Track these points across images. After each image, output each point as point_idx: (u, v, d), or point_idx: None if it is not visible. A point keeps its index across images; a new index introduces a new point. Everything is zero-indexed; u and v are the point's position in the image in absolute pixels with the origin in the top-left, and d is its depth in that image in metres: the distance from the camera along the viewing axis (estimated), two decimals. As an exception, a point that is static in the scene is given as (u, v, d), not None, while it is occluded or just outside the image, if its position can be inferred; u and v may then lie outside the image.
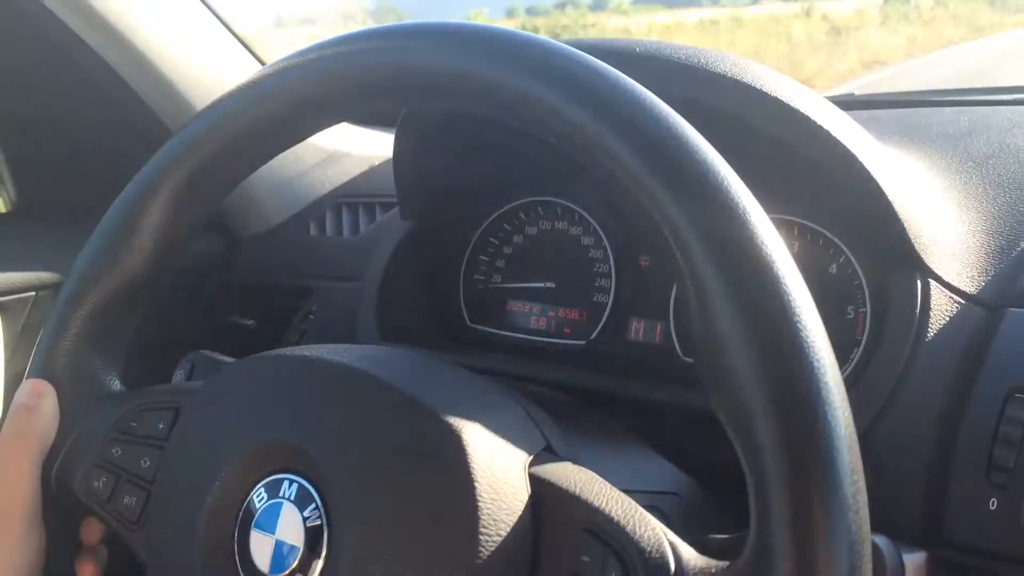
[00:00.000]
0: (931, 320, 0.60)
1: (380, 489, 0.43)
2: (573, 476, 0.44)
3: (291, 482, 0.44)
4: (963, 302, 0.61)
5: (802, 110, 0.61)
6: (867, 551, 0.35)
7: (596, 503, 0.42)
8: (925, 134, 0.79)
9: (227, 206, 0.98)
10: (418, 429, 0.44)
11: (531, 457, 0.45)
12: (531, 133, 0.44)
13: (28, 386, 0.54)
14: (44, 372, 0.54)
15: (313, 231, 0.99)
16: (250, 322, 0.93)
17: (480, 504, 0.41)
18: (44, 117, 0.99)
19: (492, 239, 0.83)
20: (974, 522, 0.54)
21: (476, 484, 0.42)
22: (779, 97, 0.61)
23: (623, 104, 0.41)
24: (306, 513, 0.43)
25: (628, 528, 0.41)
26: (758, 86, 0.61)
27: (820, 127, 0.60)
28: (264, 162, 0.55)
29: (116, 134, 1.00)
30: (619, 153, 0.40)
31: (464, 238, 0.84)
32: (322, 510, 0.43)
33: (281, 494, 0.44)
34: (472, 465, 0.42)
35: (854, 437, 0.36)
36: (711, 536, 0.51)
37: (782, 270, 0.37)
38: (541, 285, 0.81)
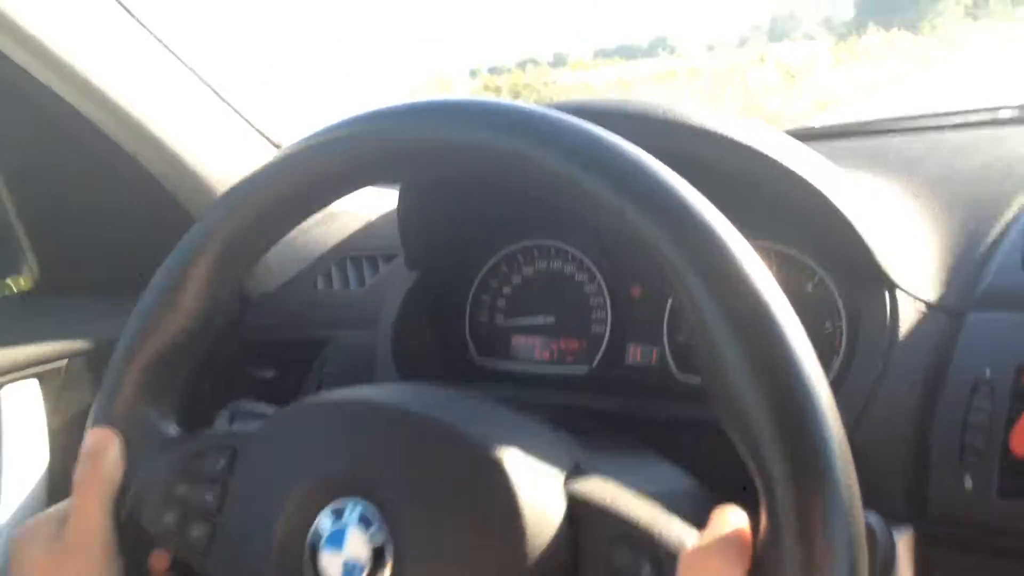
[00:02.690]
0: (901, 328, 0.66)
1: (436, 510, 0.48)
2: (603, 490, 0.49)
3: (354, 507, 0.49)
4: (927, 310, 0.68)
5: (771, 154, 0.67)
6: (862, 532, 0.41)
7: (625, 513, 0.47)
8: (883, 161, 0.87)
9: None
10: (465, 458, 0.49)
11: (564, 477, 0.50)
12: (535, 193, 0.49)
13: (94, 435, 0.58)
14: (106, 422, 0.59)
15: (320, 285, 1.04)
16: (269, 374, 0.99)
17: (525, 522, 0.47)
18: (64, 197, 1.05)
19: (493, 281, 0.90)
20: (953, 499, 0.60)
21: (520, 504, 0.47)
22: (750, 144, 0.68)
23: (628, 168, 0.46)
24: (370, 533, 0.48)
25: (655, 532, 0.46)
26: (730, 135, 0.68)
27: (787, 168, 0.67)
28: (290, 229, 0.59)
29: (131, 211, 1.05)
30: (625, 212, 0.45)
31: (467, 282, 0.90)
32: (385, 530, 0.48)
33: (345, 518, 0.49)
34: (515, 488, 0.47)
35: (845, 444, 0.41)
36: None
37: (773, 300, 0.42)
38: (541, 320, 0.88)
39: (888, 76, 16.91)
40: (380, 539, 0.48)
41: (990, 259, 0.70)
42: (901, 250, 0.71)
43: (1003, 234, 0.72)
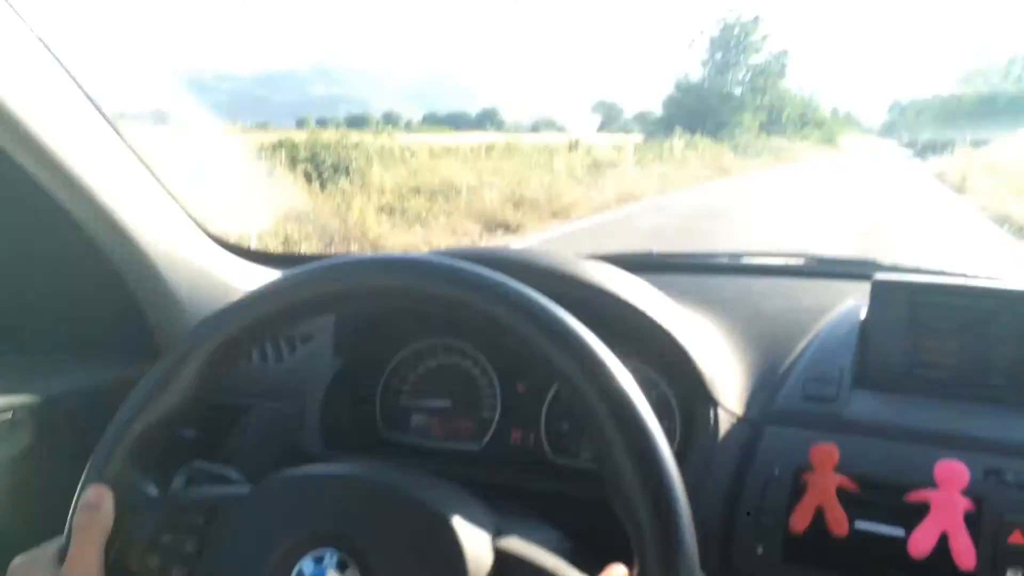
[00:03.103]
0: (719, 434, 0.91)
1: (399, 557, 0.63)
2: (518, 545, 0.66)
3: (332, 554, 0.63)
4: (738, 421, 0.92)
5: (629, 300, 0.91)
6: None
7: (538, 561, 0.64)
8: (709, 299, 1.12)
9: (166, 338, 1.17)
10: (423, 519, 0.64)
11: (492, 536, 0.66)
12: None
13: (93, 491, 0.69)
14: (101, 480, 0.70)
15: None
16: (191, 433, 1.10)
17: (467, 567, 0.62)
18: (18, 258, 1.14)
19: (401, 369, 1.09)
20: (750, 562, 0.83)
21: (464, 556, 0.62)
22: (613, 292, 0.91)
23: (532, 308, 0.64)
24: (346, 575, 0.62)
25: None
26: (599, 284, 0.92)
27: (641, 310, 0.91)
28: (265, 343, 0.74)
29: (72, 283, 1.16)
30: (531, 335, 0.63)
31: (380, 369, 1.09)
32: (358, 573, 0.62)
33: (325, 563, 0.63)
34: (460, 543, 0.63)
35: (688, 513, 0.60)
36: None
37: (641, 407, 0.62)
38: (439, 404, 1.07)
39: (687, 179, 17.99)
40: None
41: (781, 387, 0.95)
42: (722, 375, 0.95)
43: (790, 369, 0.98)
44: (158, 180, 1.17)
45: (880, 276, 1.00)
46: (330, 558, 0.63)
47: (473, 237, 9.86)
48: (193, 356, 0.70)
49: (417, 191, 12.10)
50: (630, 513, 0.59)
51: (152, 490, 0.72)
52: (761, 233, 9.95)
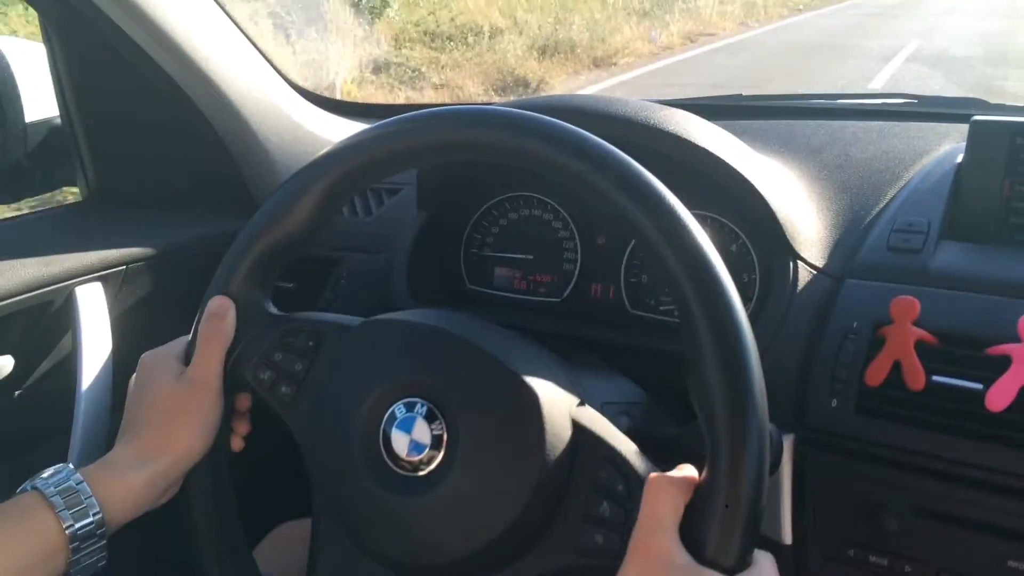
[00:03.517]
0: (798, 287, 0.90)
1: (482, 418, 0.66)
2: (598, 423, 0.67)
3: (422, 404, 0.67)
4: (818, 274, 0.91)
5: (707, 147, 0.89)
6: (766, 492, 0.59)
7: (612, 443, 0.66)
8: (792, 145, 1.09)
9: (261, 192, 1.22)
10: (510, 387, 0.67)
11: (573, 406, 0.68)
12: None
13: (217, 300, 0.76)
14: (224, 292, 0.76)
15: None
16: (291, 285, 1.17)
17: (544, 437, 0.65)
18: (127, 120, 1.20)
19: (484, 222, 1.11)
20: (823, 414, 0.84)
21: (543, 422, 0.65)
22: (691, 140, 0.89)
23: (609, 160, 0.65)
24: (432, 426, 0.67)
25: (631, 460, 0.64)
26: (675, 132, 0.90)
27: (719, 157, 0.89)
28: (384, 178, 0.77)
29: (179, 144, 1.22)
30: (607, 189, 0.64)
31: (464, 222, 1.11)
32: (444, 425, 0.67)
33: (415, 411, 0.67)
34: (542, 413, 0.65)
35: (763, 381, 0.59)
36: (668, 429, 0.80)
37: (714, 257, 0.62)
38: (521, 256, 1.09)
39: (778, 10, 15.56)
40: (439, 431, 0.67)
41: (865, 239, 0.93)
42: (803, 226, 0.94)
43: (876, 218, 0.95)
44: (246, 36, 1.19)
45: (980, 116, 0.95)
46: (420, 407, 0.68)
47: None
48: (314, 185, 0.75)
49: (427, 36, 10.10)
50: (700, 367, 0.60)
51: (270, 307, 0.79)
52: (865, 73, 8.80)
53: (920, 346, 0.81)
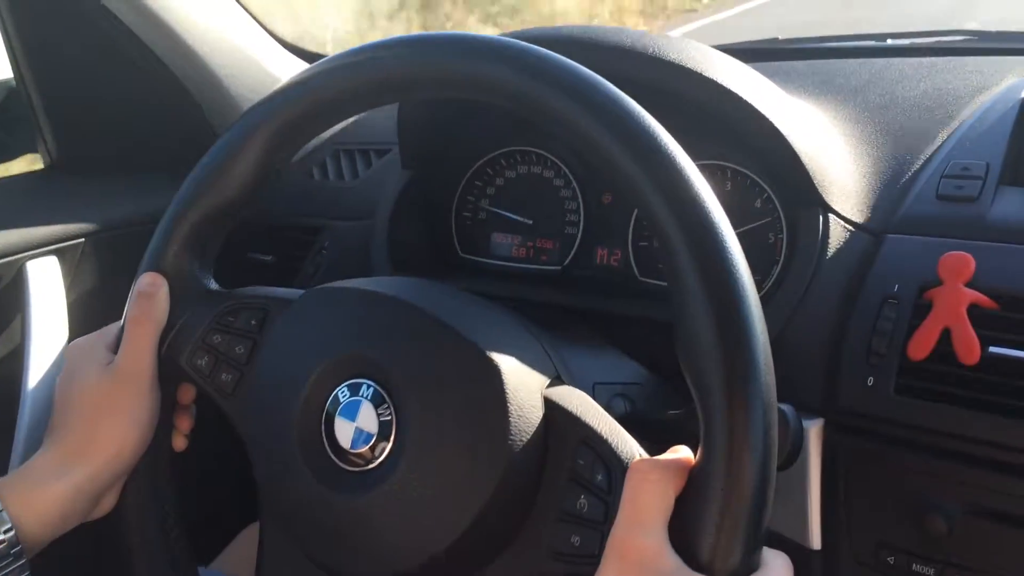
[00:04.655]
0: (829, 245, 0.76)
1: (436, 400, 0.57)
2: (575, 400, 0.58)
3: (368, 386, 0.59)
4: (853, 230, 0.78)
5: (725, 83, 0.76)
6: (775, 422, 0.49)
7: (590, 423, 0.57)
8: (831, 86, 0.95)
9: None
10: (469, 362, 0.58)
11: (546, 384, 0.59)
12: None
13: (147, 278, 0.68)
14: (156, 268, 0.68)
15: (316, 176, 1.12)
16: (268, 257, 1.07)
17: (510, 418, 0.55)
18: (84, 82, 1.10)
19: (478, 182, 0.98)
20: (857, 395, 0.71)
21: (508, 403, 0.56)
22: (705, 72, 0.76)
23: (594, 94, 0.53)
24: (379, 410, 0.58)
25: (612, 443, 0.55)
26: (688, 64, 0.76)
27: (738, 95, 0.76)
28: (327, 128, 0.67)
29: (145, 100, 1.13)
30: (593, 133, 0.53)
31: (455, 182, 0.99)
32: (392, 409, 0.58)
33: (360, 394, 0.59)
34: (506, 390, 0.56)
35: (768, 350, 0.49)
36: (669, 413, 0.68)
37: (719, 223, 0.50)
38: (520, 219, 0.97)
39: None
40: (387, 416, 0.57)
41: (911, 187, 0.79)
42: (836, 174, 0.80)
43: (925, 164, 0.81)
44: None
45: None
46: (366, 389, 0.59)
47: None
48: (250, 140, 0.65)
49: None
50: (699, 386, 0.50)
51: (211, 282, 0.70)
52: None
53: (974, 311, 0.68)
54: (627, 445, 0.55)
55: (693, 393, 0.50)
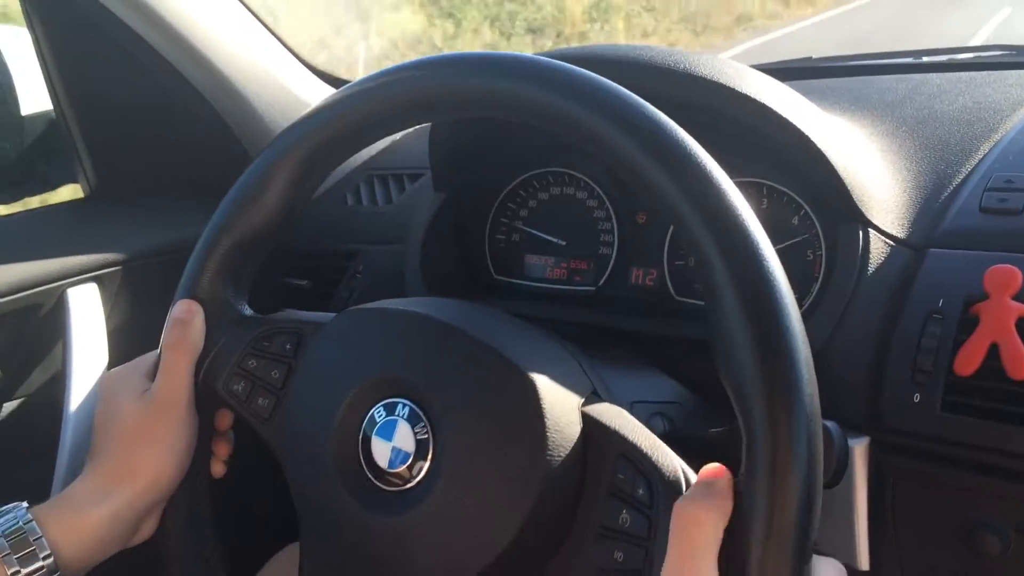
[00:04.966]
0: (870, 261, 0.75)
1: (474, 418, 0.57)
2: (613, 415, 0.58)
3: (404, 405, 0.58)
4: (894, 245, 0.76)
5: (760, 99, 0.75)
6: (819, 432, 0.48)
7: (629, 437, 0.56)
8: (868, 102, 0.94)
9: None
10: (503, 378, 0.57)
11: (583, 400, 0.59)
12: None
13: (182, 305, 0.68)
14: (191, 295, 0.68)
15: (350, 201, 1.13)
16: (304, 282, 1.07)
17: (547, 434, 0.55)
18: (123, 112, 1.12)
19: (511, 204, 0.98)
20: (903, 412, 0.69)
21: (545, 419, 0.55)
22: (740, 89, 0.75)
23: (627, 111, 0.53)
24: (416, 429, 0.57)
25: (652, 456, 0.55)
26: (723, 81, 0.75)
27: (776, 112, 0.75)
28: (357, 151, 0.68)
29: (183, 131, 1.14)
30: (628, 150, 0.52)
31: (487, 204, 0.99)
32: (429, 428, 0.57)
33: (396, 413, 0.58)
34: (542, 406, 0.56)
35: (811, 362, 0.48)
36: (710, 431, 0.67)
37: (757, 235, 0.49)
38: (554, 240, 0.96)
39: None
40: (424, 435, 0.57)
41: (953, 201, 0.78)
42: (875, 189, 0.79)
43: (967, 178, 0.80)
44: (249, 10, 1.11)
45: None
46: (402, 409, 0.59)
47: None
48: (279, 167, 0.66)
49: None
50: (740, 397, 0.48)
51: (244, 308, 0.70)
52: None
53: (1023, 325, 0.66)
54: (668, 458, 0.54)
55: (735, 407, 0.49)
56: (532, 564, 0.57)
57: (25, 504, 0.63)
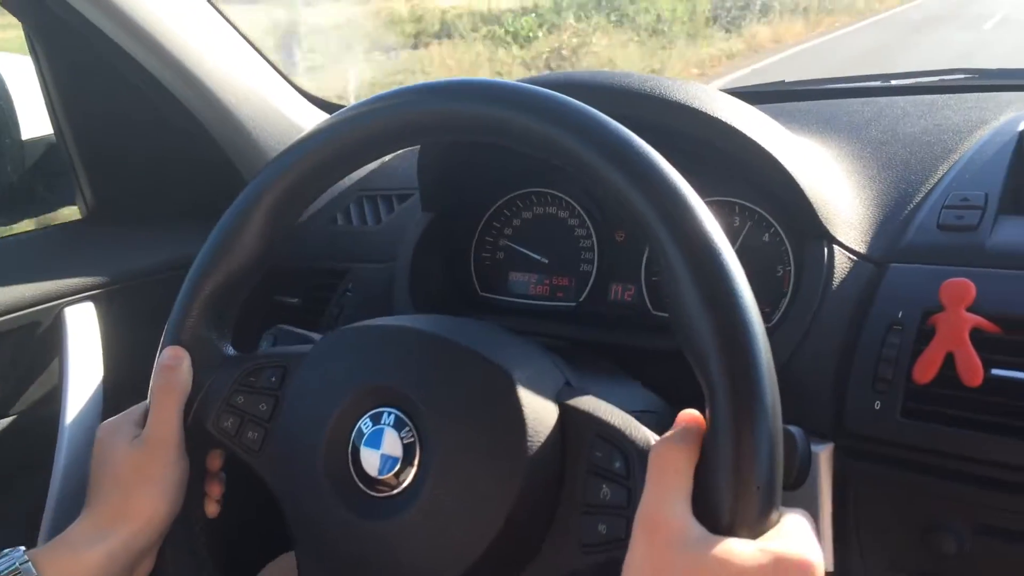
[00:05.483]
0: (835, 275, 0.79)
1: (455, 417, 0.60)
2: (586, 400, 0.61)
3: (389, 413, 0.61)
4: (858, 260, 0.80)
5: (731, 122, 0.79)
6: (778, 423, 0.51)
7: (603, 417, 0.59)
8: (835, 124, 0.98)
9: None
10: (481, 374, 0.61)
11: (558, 390, 0.62)
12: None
13: (169, 351, 0.70)
14: (177, 341, 0.71)
15: (340, 221, 1.16)
16: (295, 300, 1.10)
17: (526, 424, 0.58)
18: (122, 137, 1.16)
19: (496, 223, 1.02)
20: (865, 419, 0.72)
21: (522, 411, 0.59)
22: (711, 112, 0.79)
23: (602, 133, 0.56)
24: (402, 434, 0.60)
25: (626, 431, 0.58)
26: (695, 105, 0.80)
27: (744, 134, 0.79)
28: (335, 183, 0.71)
29: (179, 153, 1.17)
30: (602, 170, 0.56)
31: (474, 224, 1.02)
32: (415, 432, 0.60)
33: (382, 422, 0.61)
34: (520, 398, 0.59)
35: (772, 368, 0.51)
36: None
37: (723, 249, 0.53)
38: (537, 258, 1.00)
39: None
40: (410, 438, 0.60)
41: (913, 218, 0.82)
42: (840, 207, 0.83)
43: (926, 196, 0.83)
44: (244, 37, 1.14)
45: None
46: (387, 417, 0.61)
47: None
48: (255, 208, 0.68)
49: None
50: (698, 355, 0.52)
51: (228, 348, 0.72)
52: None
53: (977, 335, 0.70)
54: (640, 431, 0.58)
55: (697, 373, 0.52)
56: (523, 551, 0.60)
57: (22, 548, 0.65)
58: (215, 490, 0.74)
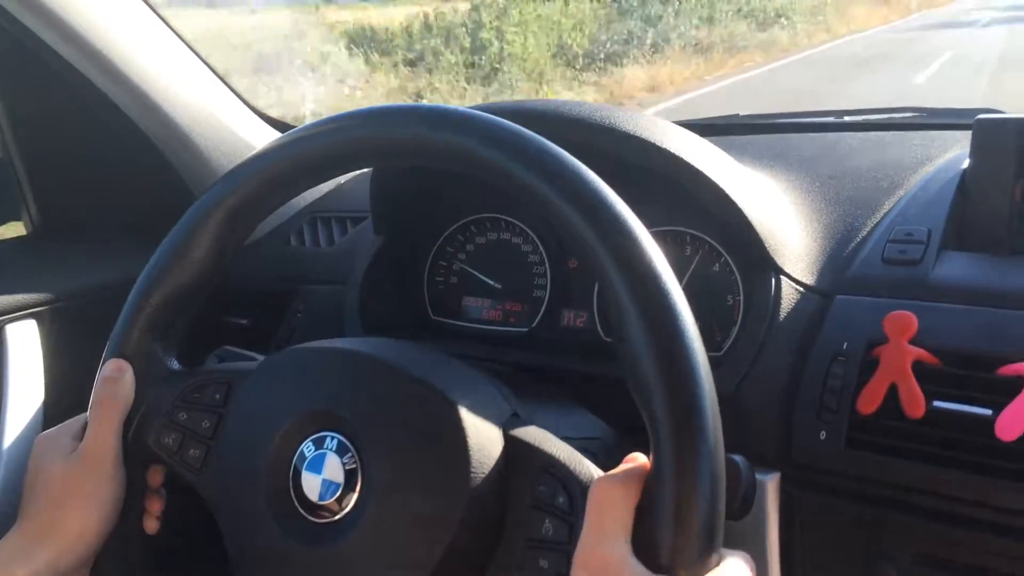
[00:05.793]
0: (782, 306, 0.80)
1: (399, 444, 0.59)
2: (533, 433, 0.61)
3: (332, 438, 0.60)
4: (804, 291, 0.81)
5: (679, 153, 0.80)
6: (722, 463, 0.51)
7: (549, 451, 0.59)
8: (785, 158, 1.00)
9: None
10: (425, 402, 0.60)
11: (504, 420, 0.62)
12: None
13: (111, 364, 0.69)
14: (120, 353, 0.69)
15: (293, 242, 1.15)
16: (245, 321, 1.09)
17: (470, 454, 0.57)
18: (68, 153, 1.14)
19: (449, 248, 1.02)
20: (810, 449, 0.73)
21: (468, 441, 0.58)
22: (660, 143, 0.80)
23: (550, 161, 0.57)
24: (344, 460, 0.60)
25: (570, 466, 0.58)
26: (644, 135, 0.80)
27: (689, 164, 0.80)
28: (286, 202, 0.70)
29: (127, 170, 1.16)
30: (549, 199, 0.56)
31: (427, 247, 1.02)
32: (357, 458, 0.59)
33: (325, 447, 0.60)
34: (465, 428, 0.58)
35: (716, 408, 0.51)
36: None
37: (668, 282, 0.53)
38: (490, 283, 1.00)
39: None
40: (352, 464, 0.59)
41: (859, 251, 0.83)
42: (788, 239, 0.84)
43: (872, 231, 0.85)
44: (194, 52, 1.13)
45: (986, 115, 0.85)
46: (330, 442, 0.61)
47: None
48: (205, 223, 0.67)
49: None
50: (642, 391, 0.52)
51: (173, 363, 0.71)
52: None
53: (919, 367, 0.71)
54: (584, 466, 0.58)
55: (640, 409, 0.52)
56: None
57: None
58: (155, 506, 0.72)
